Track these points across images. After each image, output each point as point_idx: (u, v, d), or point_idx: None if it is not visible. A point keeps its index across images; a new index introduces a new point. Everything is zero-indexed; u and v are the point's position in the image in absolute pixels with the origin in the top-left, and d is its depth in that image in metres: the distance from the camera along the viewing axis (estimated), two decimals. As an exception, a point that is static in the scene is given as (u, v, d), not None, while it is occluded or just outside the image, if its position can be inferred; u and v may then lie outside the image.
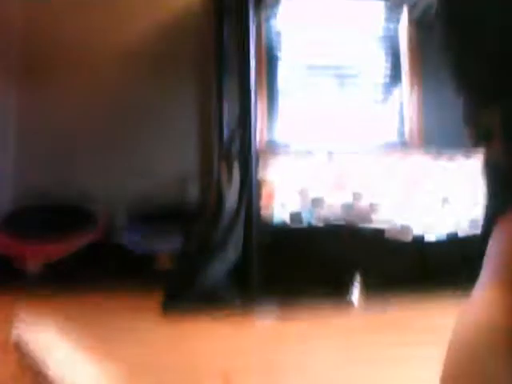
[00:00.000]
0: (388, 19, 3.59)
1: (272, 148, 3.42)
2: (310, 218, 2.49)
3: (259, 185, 2.47)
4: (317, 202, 2.50)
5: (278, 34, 3.62)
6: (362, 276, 2.44)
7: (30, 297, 2.24)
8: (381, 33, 3.67)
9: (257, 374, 1.53)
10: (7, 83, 3.10)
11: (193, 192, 3.23)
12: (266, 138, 3.45)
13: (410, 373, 1.38)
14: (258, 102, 2.95)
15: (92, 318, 2.06)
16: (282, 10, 3.51)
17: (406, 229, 2.55)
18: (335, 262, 2.47)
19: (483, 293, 0.49)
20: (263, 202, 2.45)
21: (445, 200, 2.61)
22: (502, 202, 0.47)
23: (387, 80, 3.64)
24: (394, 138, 3.57)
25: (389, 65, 3.65)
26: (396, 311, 2.15)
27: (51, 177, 3.09)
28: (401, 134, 3.57)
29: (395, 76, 3.63)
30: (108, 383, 0.87)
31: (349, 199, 2.54)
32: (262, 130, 3.41)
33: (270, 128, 3.49)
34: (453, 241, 2.60)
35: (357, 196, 2.55)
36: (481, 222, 0.52)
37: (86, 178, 3.12)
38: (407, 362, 1.46)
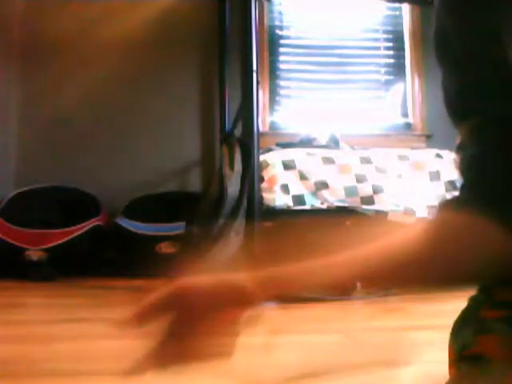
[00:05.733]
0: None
1: (275, 131, 3.41)
2: (313, 201, 2.48)
3: (262, 168, 2.45)
4: (320, 185, 2.49)
5: (281, 14, 3.58)
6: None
7: (31, 284, 2.24)
8: (384, 13, 3.63)
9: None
10: (9, 70, 3.08)
11: (195, 178, 3.23)
12: (268, 120, 3.44)
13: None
14: (261, 84, 2.92)
15: (94, 305, 2.06)
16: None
17: (409, 211, 2.54)
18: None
19: None
20: (266, 186, 2.44)
21: (450, 183, 2.59)
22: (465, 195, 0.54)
23: (390, 61, 3.61)
24: (398, 121, 3.55)
25: (391, 46, 3.61)
26: (397, 296, 2.14)
27: (52, 163, 3.09)
28: (405, 117, 3.54)
29: (398, 57, 3.60)
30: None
31: (352, 182, 2.53)
32: (264, 112, 3.39)
33: (272, 111, 3.47)
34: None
35: (360, 178, 2.54)
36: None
37: (88, 162, 3.12)
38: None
